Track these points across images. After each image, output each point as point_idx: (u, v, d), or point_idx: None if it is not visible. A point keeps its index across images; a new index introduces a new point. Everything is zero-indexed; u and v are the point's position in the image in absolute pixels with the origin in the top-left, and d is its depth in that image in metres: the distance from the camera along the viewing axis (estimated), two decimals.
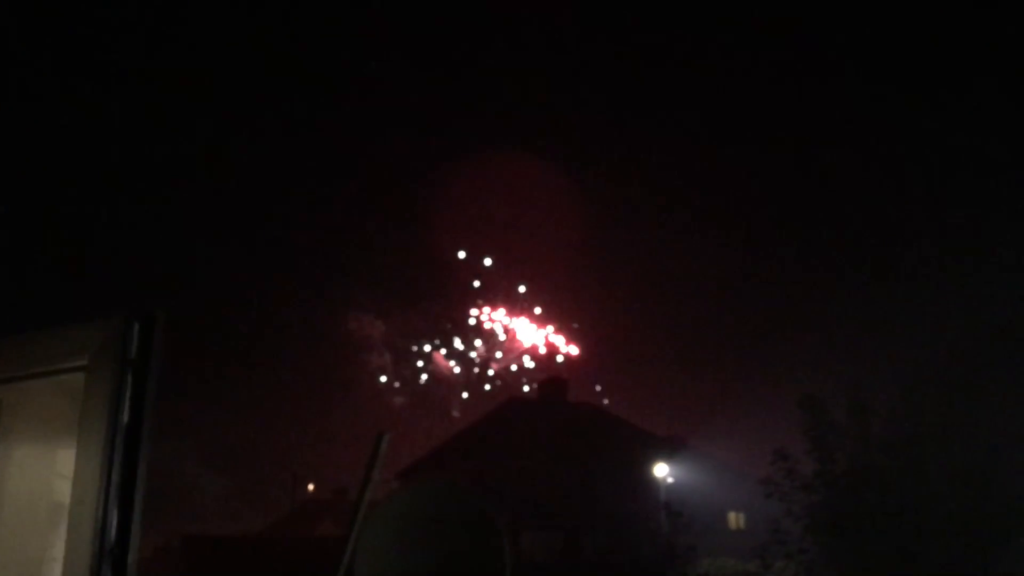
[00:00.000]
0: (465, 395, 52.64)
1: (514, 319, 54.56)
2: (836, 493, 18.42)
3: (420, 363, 53.60)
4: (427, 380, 53.33)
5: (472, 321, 52.84)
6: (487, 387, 52.46)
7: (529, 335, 53.29)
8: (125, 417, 2.59)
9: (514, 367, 53.51)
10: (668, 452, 28.86)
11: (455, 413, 51.85)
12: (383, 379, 52.04)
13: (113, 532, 2.51)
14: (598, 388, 51.73)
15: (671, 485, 29.03)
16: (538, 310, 52.80)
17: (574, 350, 50.67)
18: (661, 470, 28.40)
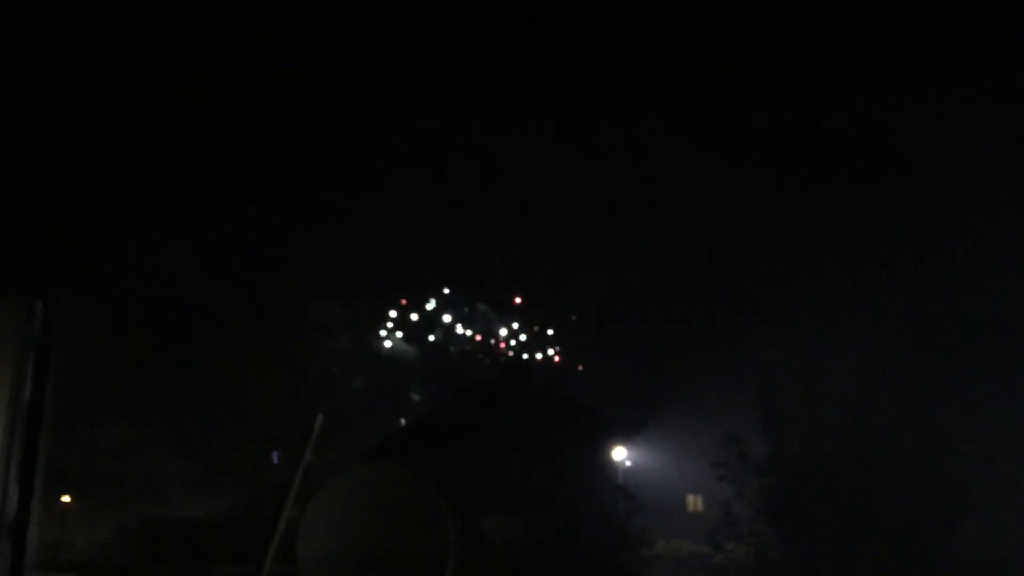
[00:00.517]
0: (424, 381, 52.86)
1: (478, 304, 54.88)
2: (787, 477, 18.71)
3: (383, 345, 53.65)
4: (387, 364, 53.51)
5: (431, 306, 52.95)
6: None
7: (489, 322, 53.74)
8: (27, 394, 2.62)
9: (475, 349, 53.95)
10: (626, 435, 29.14)
11: (415, 396, 52.01)
12: (335, 369, 52.04)
13: (13, 508, 2.53)
14: (580, 367, 52.12)
15: (629, 468, 29.36)
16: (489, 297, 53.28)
17: (524, 336, 51.25)
18: (619, 453, 28.67)
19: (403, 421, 48.88)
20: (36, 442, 2.58)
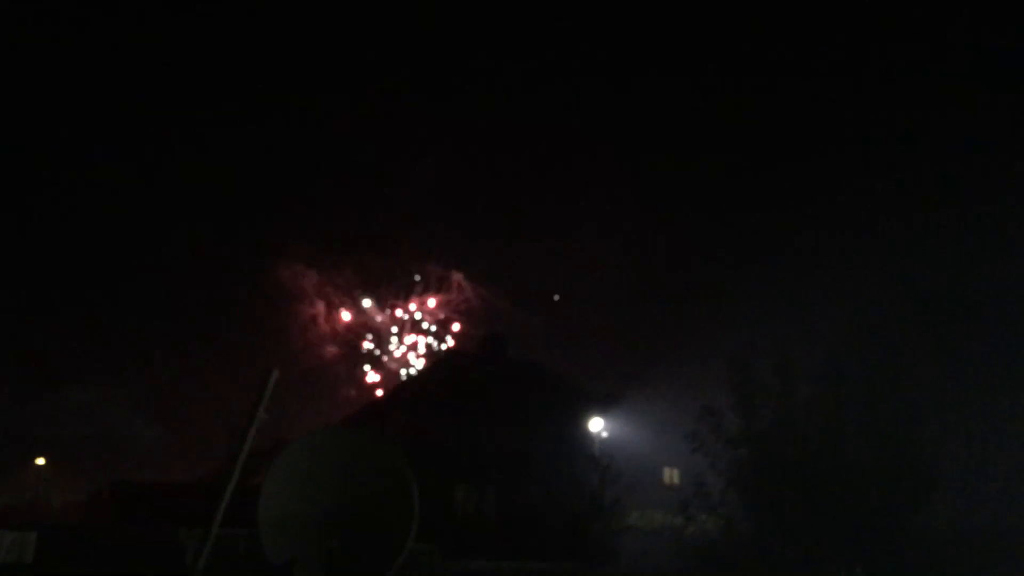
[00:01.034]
0: (398, 352, 52.84)
1: (452, 273, 54.88)
2: (758, 450, 18.82)
3: (349, 315, 53.61)
4: (359, 332, 53.47)
5: (417, 278, 52.96)
6: (426, 341, 52.69)
7: (462, 291, 53.82)
8: None
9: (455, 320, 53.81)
10: (603, 407, 29.20)
11: (389, 364, 52.13)
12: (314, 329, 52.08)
13: None
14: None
15: (606, 440, 29.40)
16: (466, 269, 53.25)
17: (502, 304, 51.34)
18: (596, 424, 28.73)
19: (379, 392, 48.77)
20: None
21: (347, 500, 7.73)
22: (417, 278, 51.85)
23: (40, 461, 41.84)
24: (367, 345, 52.03)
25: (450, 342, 52.42)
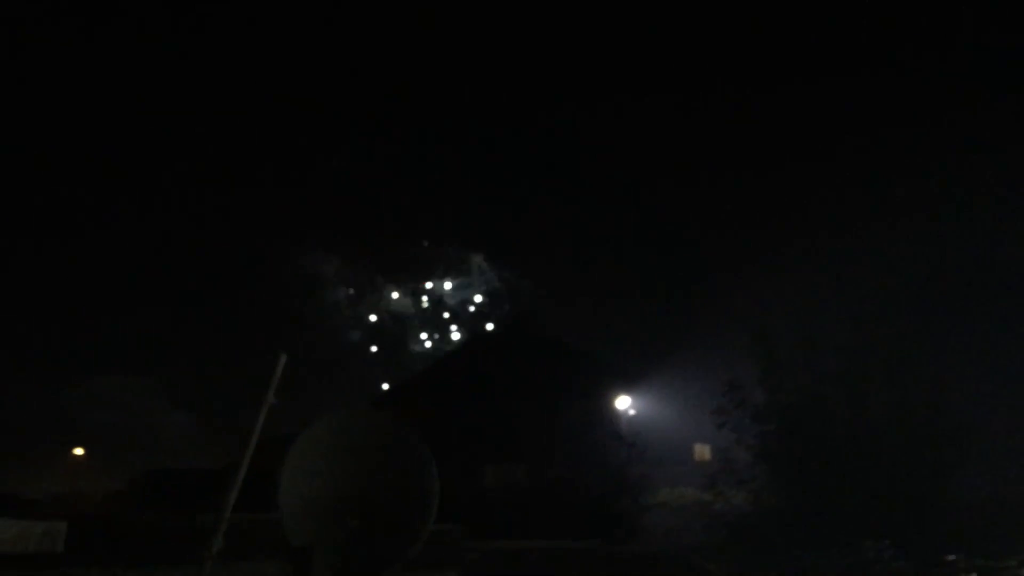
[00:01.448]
0: (423, 335, 52.88)
1: (472, 255, 54.72)
2: (784, 423, 18.72)
3: (382, 298, 53.61)
4: (383, 316, 53.47)
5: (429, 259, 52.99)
6: (452, 328, 52.67)
7: (485, 273, 53.67)
8: None
9: (478, 299, 53.73)
10: (630, 384, 29.22)
11: (414, 347, 52.18)
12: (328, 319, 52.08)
13: None
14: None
15: (633, 417, 29.43)
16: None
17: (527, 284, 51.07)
18: (623, 402, 28.79)
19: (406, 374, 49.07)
20: None
21: (367, 482, 7.80)
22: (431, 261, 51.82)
23: (79, 451, 42.49)
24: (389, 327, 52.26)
25: (475, 323, 52.68)
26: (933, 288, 21.43)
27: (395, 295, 53.91)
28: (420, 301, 54.47)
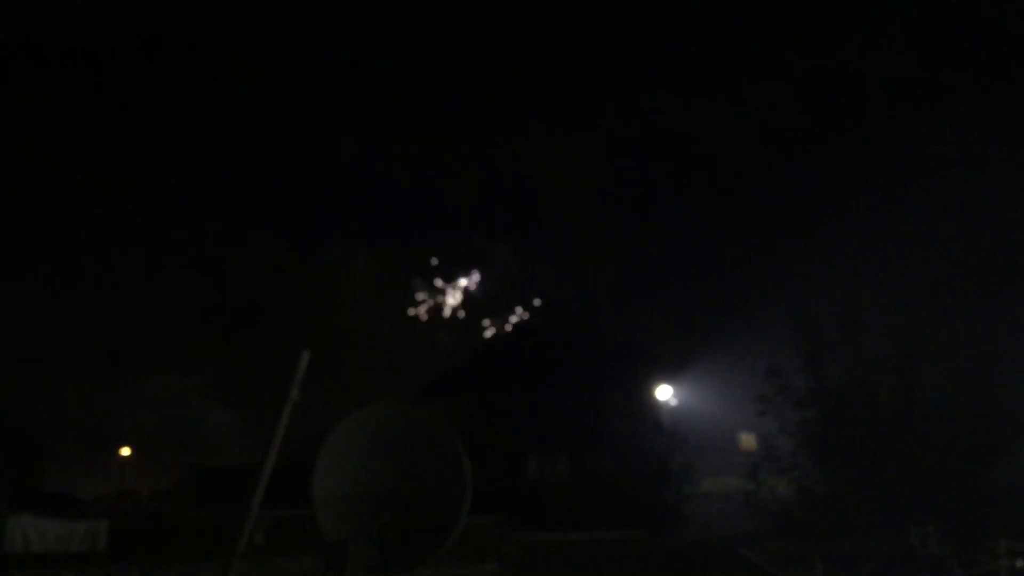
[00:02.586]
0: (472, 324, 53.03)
1: (499, 246, 54.62)
2: (828, 409, 18.47)
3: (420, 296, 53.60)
4: (419, 310, 53.51)
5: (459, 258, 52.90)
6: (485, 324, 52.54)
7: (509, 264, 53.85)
8: None
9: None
10: (671, 373, 29.00)
11: (446, 340, 52.36)
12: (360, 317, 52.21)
13: None
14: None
15: (675, 407, 29.22)
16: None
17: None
18: (664, 392, 28.56)
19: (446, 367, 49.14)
20: None
21: (399, 476, 7.78)
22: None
23: (126, 451, 43.19)
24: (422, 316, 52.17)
25: (517, 313, 52.58)
26: (980, 270, 20.96)
27: (422, 291, 54.12)
28: (449, 294, 54.67)
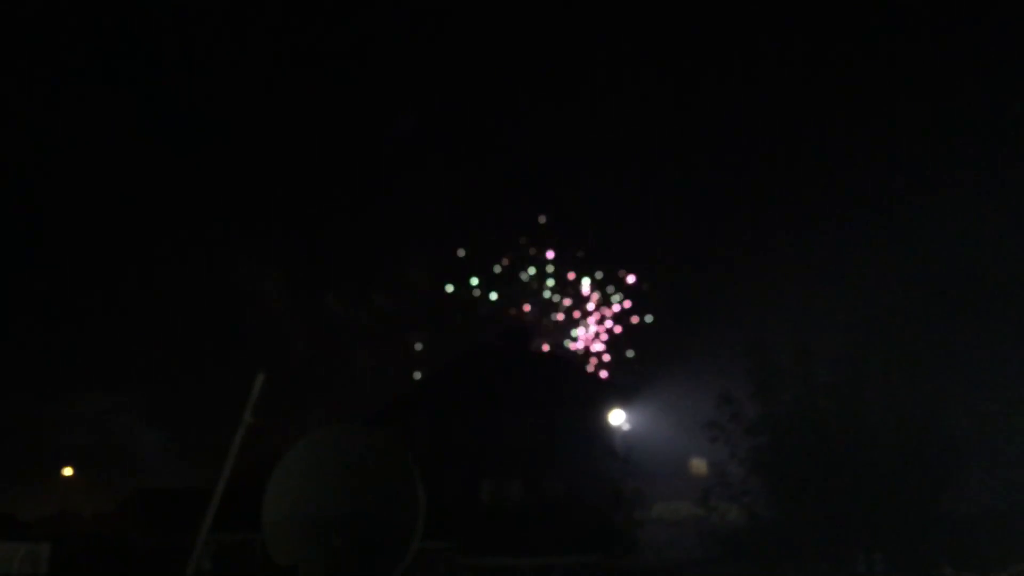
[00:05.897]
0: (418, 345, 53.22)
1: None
2: (778, 436, 18.62)
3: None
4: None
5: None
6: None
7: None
8: None
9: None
10: (624, 398, 29.12)
11: (418, 346, 52.36)
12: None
13: None
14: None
15: (628, 431, 29.32)
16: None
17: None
18: (617, 417, 28.67)
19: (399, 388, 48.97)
20: None
21: (352, 500, 7.71)
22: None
23: (68, 471, 42.25)
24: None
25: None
26: (931, 297, 21.34)
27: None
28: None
